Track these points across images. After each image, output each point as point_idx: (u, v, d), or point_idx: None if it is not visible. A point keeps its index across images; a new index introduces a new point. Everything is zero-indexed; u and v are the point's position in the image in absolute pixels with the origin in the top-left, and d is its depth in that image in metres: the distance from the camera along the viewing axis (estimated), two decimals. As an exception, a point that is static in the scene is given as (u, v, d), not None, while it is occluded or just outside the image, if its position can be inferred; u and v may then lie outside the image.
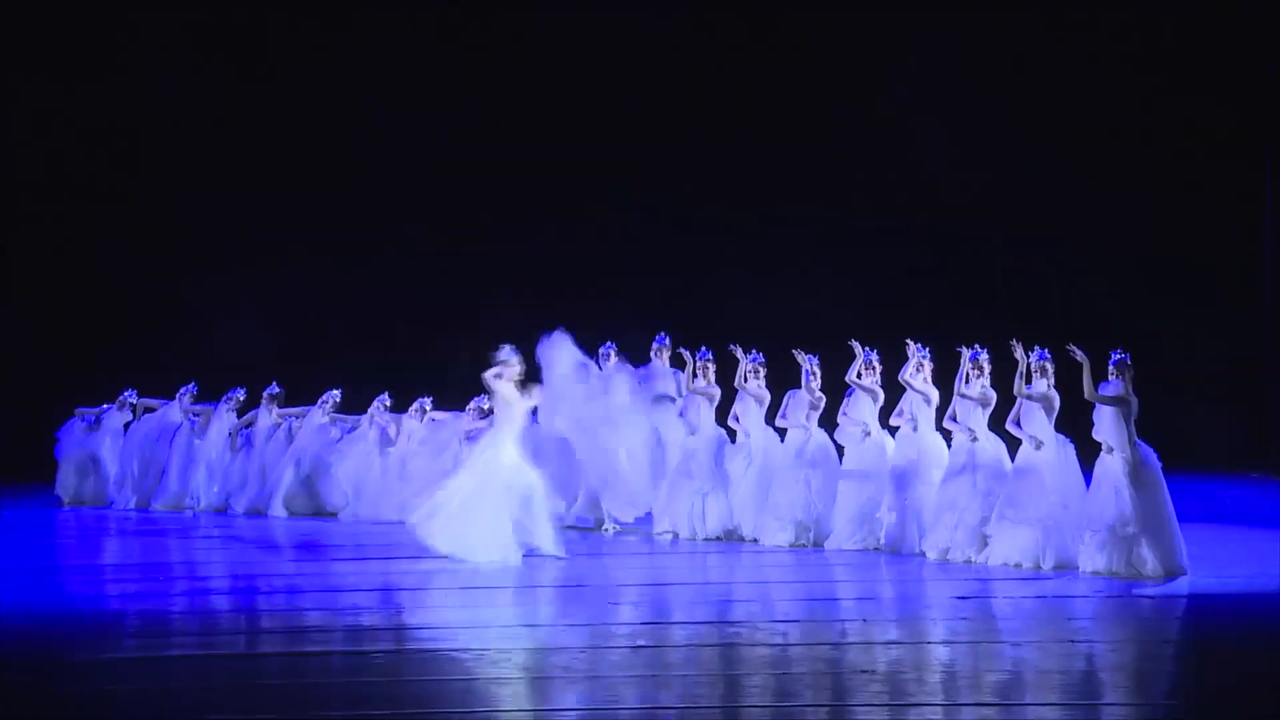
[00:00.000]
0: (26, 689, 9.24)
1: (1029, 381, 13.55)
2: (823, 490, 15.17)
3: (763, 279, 22.82)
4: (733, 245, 22.99)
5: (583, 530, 16.13)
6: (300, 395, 19.35)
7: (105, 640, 10.68)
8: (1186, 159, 22.39)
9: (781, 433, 15.65)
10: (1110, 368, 13.09)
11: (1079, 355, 13.12)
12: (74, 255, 23.72)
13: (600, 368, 16.36)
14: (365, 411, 18.63)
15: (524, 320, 23.28)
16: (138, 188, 23.70)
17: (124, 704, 8.83)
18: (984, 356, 14.07)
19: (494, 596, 12.59)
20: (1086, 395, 13.07)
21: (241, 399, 19.36)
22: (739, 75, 23.46)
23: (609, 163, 23.08)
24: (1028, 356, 13.57)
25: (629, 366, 16.34)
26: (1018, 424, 13.64)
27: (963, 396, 14.04)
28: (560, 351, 15.45)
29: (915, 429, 14.59)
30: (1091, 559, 12.95)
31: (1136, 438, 12.94)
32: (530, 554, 13.96)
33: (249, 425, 19.21)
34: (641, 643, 10.43)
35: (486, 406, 17.93)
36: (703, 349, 15.86)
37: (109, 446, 19.79)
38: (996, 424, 13.97)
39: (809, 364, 15.44)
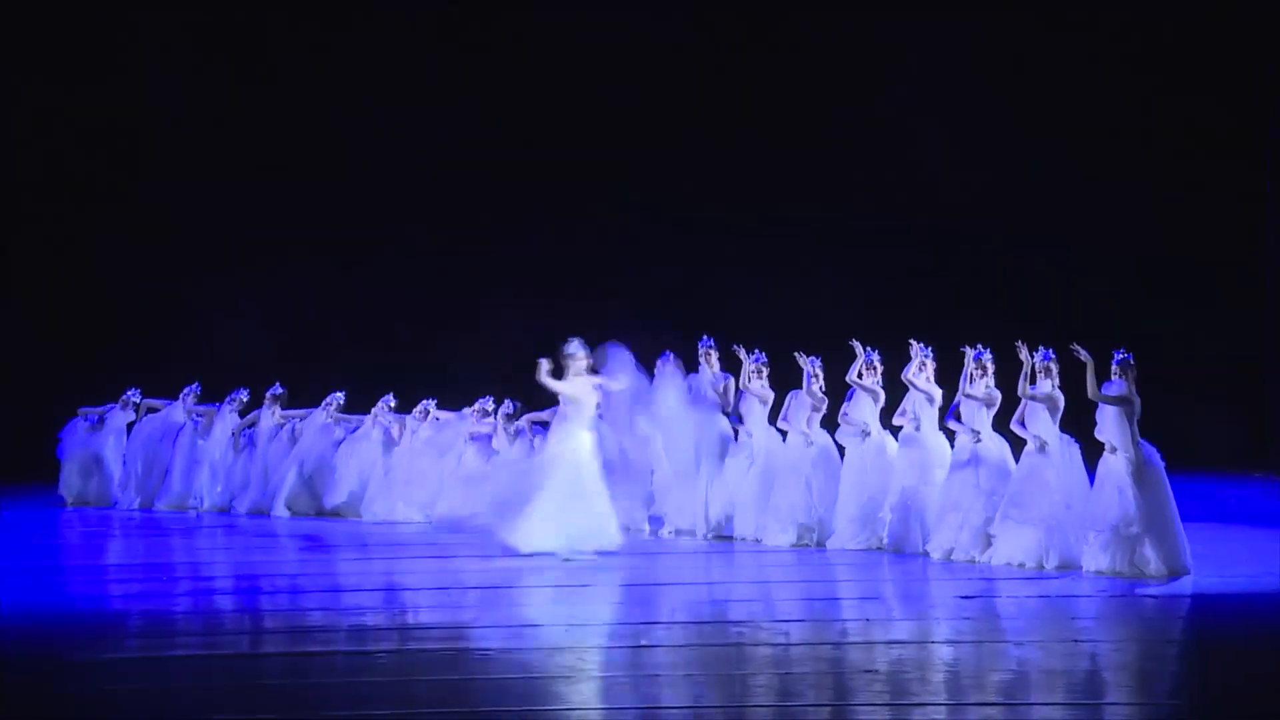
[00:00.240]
0: (28, 689, 9.23)
1: (1033, 382, 13.55)
2: (824, 492, 15.16)
3: (763, 279, 22.83)
4: (733, 245, 22.99)
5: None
6: (301, 395, 19.35)
7: (107, 640, 10.66)
8: (1186, 159, 22.40)
9: (783, 433, 15.64)
10: (1113, 367, 13.09)
11: (1083, 355, 13.12)
12: (74, 255, 23.72)
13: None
14: (368, 412, 18.63)
15: (524, 320, 23.41)
16: (138, 188, 23.71)
17: (126, 704, 8.82)
18: (987, 356, 14.06)
19: (495, 597, 12.59)
20: (1090, 395, 13.07)
21: (245, 400, 19.37)
22: (739, 75, 23.46)
23: (609, 163, 23.08)
24: (1032, 357, 13.56)
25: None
26: (1022, 424, 13.64)
27: (968, 397, 14.03)
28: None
29: (918, 429, 14.59)
30: (1095, 559, 12.95)
31: (1139, 437, 12.94)
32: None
33: (252, 425, 19.21)
34: (644, 643, 10.42)
35: (490, 407, 17.95)
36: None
37: (112, 446, 19.80)
38: (1001, 424, 13.97)
39: (810, 366, 15.42)
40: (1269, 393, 22.11)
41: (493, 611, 11.86)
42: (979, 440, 13.92)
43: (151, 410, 19.89)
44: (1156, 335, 20.05)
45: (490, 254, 23.59)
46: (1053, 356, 13.55)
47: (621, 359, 14.77)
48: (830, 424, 15.48)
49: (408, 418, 18.38)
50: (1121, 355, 13.11)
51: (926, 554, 14.15)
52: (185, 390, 19.60)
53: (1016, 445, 13.89)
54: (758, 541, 15.31)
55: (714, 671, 9.52)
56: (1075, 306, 20.85)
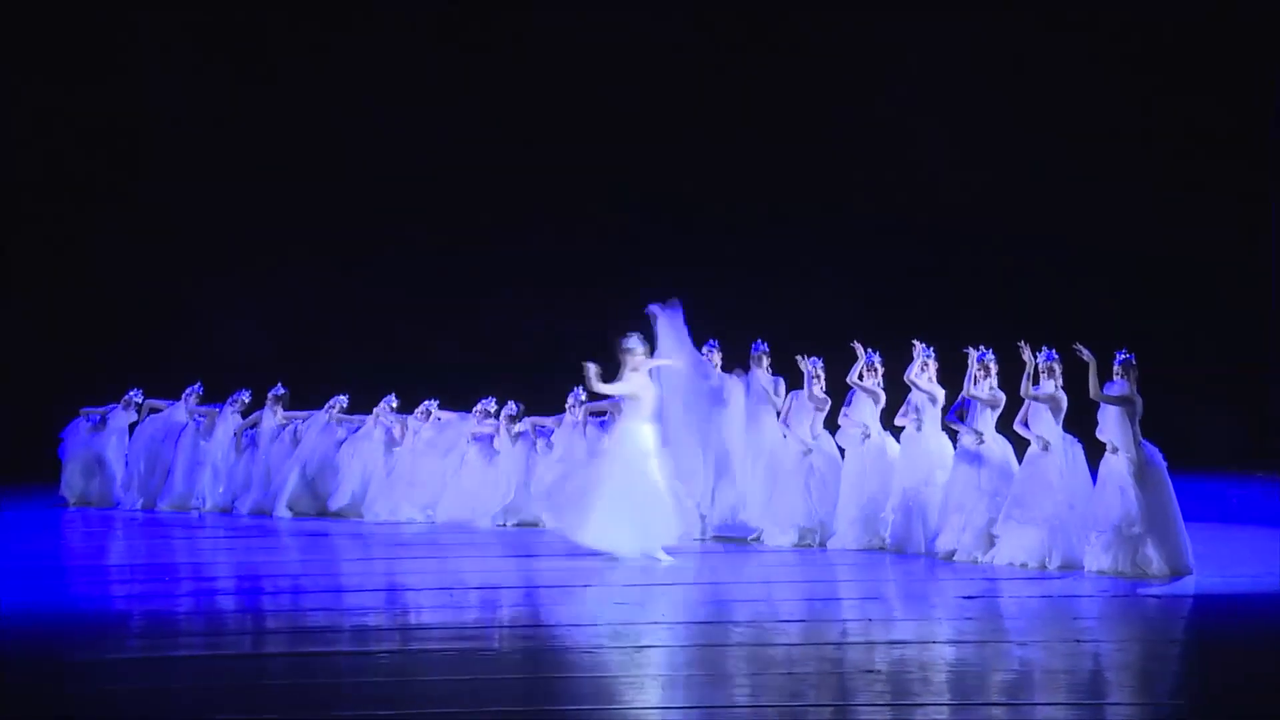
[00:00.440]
0: (31, 689, 9.23)
1: (1036, 382, 13.55)
2: (824, 495, 15.15)
3: (763, 279, 22.83)
4: (733, 245, 22.99)
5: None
6: (302, 395, 19.35)
7: (109, 640, 10.66)
8: (1187, 159, 22.41)
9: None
10: (1115, 367, 13.09)
11: (1086, 355, 13.12)
12: (75, 255, 23.73)
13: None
14: (370, 412, 18.63)
15: (524, 320, 23.44)
16: (138, 188, 23.72)
17: (127, 704, 8.82)
18: (990, 357, 14.06)
19: (497, 596, 12.59)
20: (1092, 395, 13.08)
21: (246, 400, 19.38)
22: (739, 75, 23.47)
23: (609, 163, 23.09)
24: (1035, 357, 13.56)
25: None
26: (1025, 425, 13.65)
27: (971, 398, 14.03)
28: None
29: (919, 429, 14.59)
30: (1097, 559, 12.96)
31: (1141, 437, 12.94)
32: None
33: (254, 426, 19.22)
34: (645, 642, 10.43)
35: (492, 408, 17.96)
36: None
37: (114, 446, 19.81)
38: (1004, 425, 13.97)
39: (812, 368, 15.39)
40: (1270, 392, 22.12)
41: (493, 612, 11.86)
42: (981, 441, 13.93)
43: (154, 410, 19.90)
44: (1158, 335, 20.03)
45: (490, 254, 23.60)
46: (1055, 357, 13.55)
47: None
48: (831, 425, 15.47)
49: (409, 418, 18.38)
50: (1123, 355, 13.11)
51: (928, 554, 14.15)
52: (187, 390, 19.60)
53: (1019, 446, 13.89)
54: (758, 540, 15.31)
55: (714, 671, 9.53)
56: (1075, 306, 20.85)
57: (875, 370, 15.06)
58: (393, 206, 23.48)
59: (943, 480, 14.27)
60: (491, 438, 17.72)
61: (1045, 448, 13.46)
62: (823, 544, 15.00)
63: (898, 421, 14.86)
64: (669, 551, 13.90)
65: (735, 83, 23.46)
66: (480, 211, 23.57)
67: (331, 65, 23.57)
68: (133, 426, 19.93)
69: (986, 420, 13.98)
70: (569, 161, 23.20)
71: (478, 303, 23.49)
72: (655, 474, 13.93)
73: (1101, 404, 13.07)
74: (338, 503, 18.33)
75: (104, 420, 19.89)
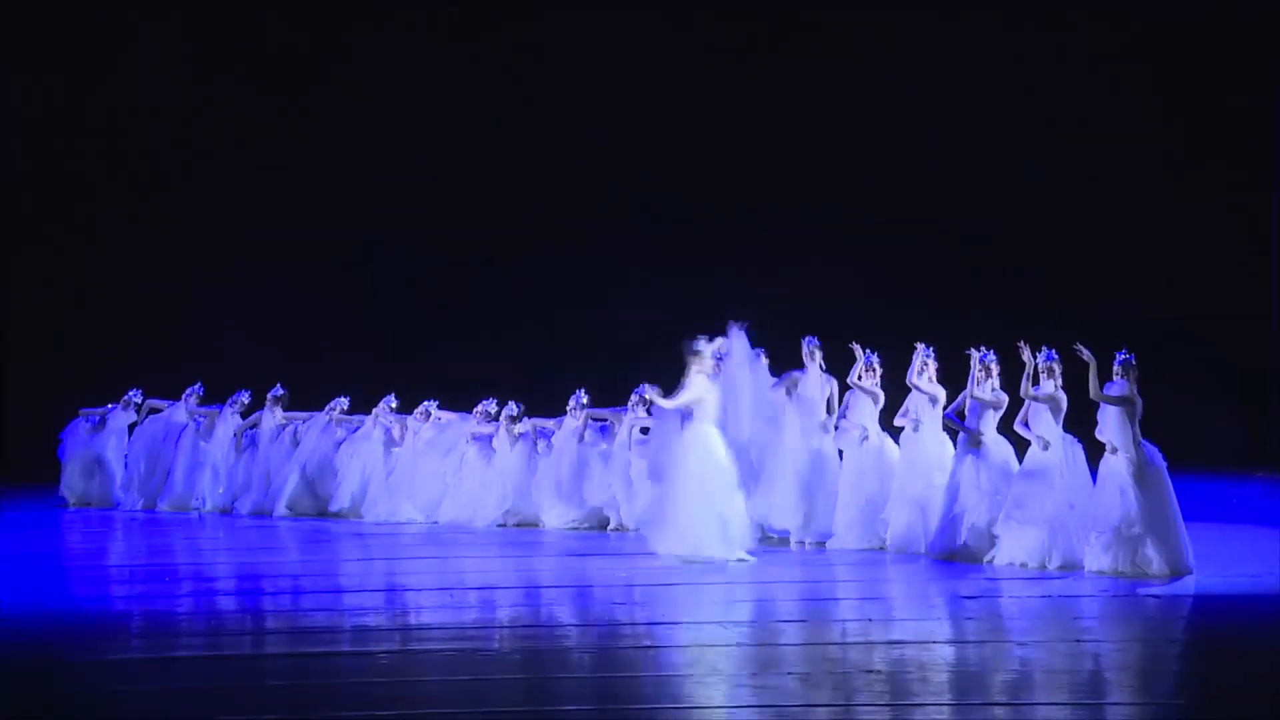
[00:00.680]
0: (31, 689, 9.23)
1: (1035, 383, 13.55)
2: (818, 495, 15.11)
3: (762, 279, 22.82)
4: (732, 245, 22.99)
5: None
6: (301, 395, 19.36)
7: (110, 641, 10.66)
8: (1186, 159, 22.40)
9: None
10: (1115, 368, 13.09)
11: (1086, 355, 13.12)
12: (75, 255, 23.73)
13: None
14: (369, 412, 18.64)
15: (524, 320, 23.44)
16: (139, 188, 23.71)
17: (128, 705, 8.82)
18: (991, 358, 14.04)
19: (496, 597, 12.59)
20: (1092, 395, 13.08)
21: (246, 401, 19.39)
22: (739, 75, 23.46)
23: (609, 163, 23.08)
24: (1035, 358, 13.56)
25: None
26: (1026, 425, 13.65)
27: (974, 399, 14.02)
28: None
29: (916, 429, 14.59)
30: (1097, 559, 12.96)
31: (1141, 438, 12.94)
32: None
33: (253, 427, 19.22)
34: (646, 643, 10.43)
35: (493, 410, 17.96)
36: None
37: (114, 447, 19.81)
38: (1004, 425, 13.97)
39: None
40: (1271, 392, 22.12)
41: (492, 612, 11.87)
42: (981, 443, 13.92)
43: (154, 411, 19.90)
44: (1158, 335, 20.06)
45: (490, 254, 23.60)
46: (1055, 357, 13.55)
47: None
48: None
49: (409, 418, 18.38)
50: (1123, 355, 13.11)
51: (928, 555, 14.15)
52: (187, 391, 19.61)
53: (1020, 446, 13.89)
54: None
55: (714, 671, 9.53)
56: (1075, 306, 20.84)
57: (874, 371, 15.06)
58: (393, 206, 23.48)
59: (941, 481, 14.26)
60: (490, 437, 17.73)
61: (1045, 448, 13.46)
62: (819, 544, 15.00)
63: (897, 422, 14.85)
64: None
65: (735, 83, 23.46)
66: (480, 211, 23.56)
67: (331, 65, 23.57)
68: (132, 427, 19.94)
69: (988, 421, 13.97)
70: (569, 161, 23.20)
71: (478, 303, 23.48)
72: (731, 475, 13.91)
73: (1101, 404, 13.07)
74: (338, 504, 18.33)
75: (103, 421, 19.90)
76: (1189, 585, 12.47)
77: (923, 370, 14.59)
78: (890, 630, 10.79)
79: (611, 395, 17.67)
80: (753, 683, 9.23)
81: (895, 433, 14.96)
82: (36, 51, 23.30)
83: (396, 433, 18.41)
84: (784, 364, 15.76)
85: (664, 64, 23.17)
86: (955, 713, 8.45)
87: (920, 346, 14.64)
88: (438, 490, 17.89)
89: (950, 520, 13.95)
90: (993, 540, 13.65)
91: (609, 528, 16.87)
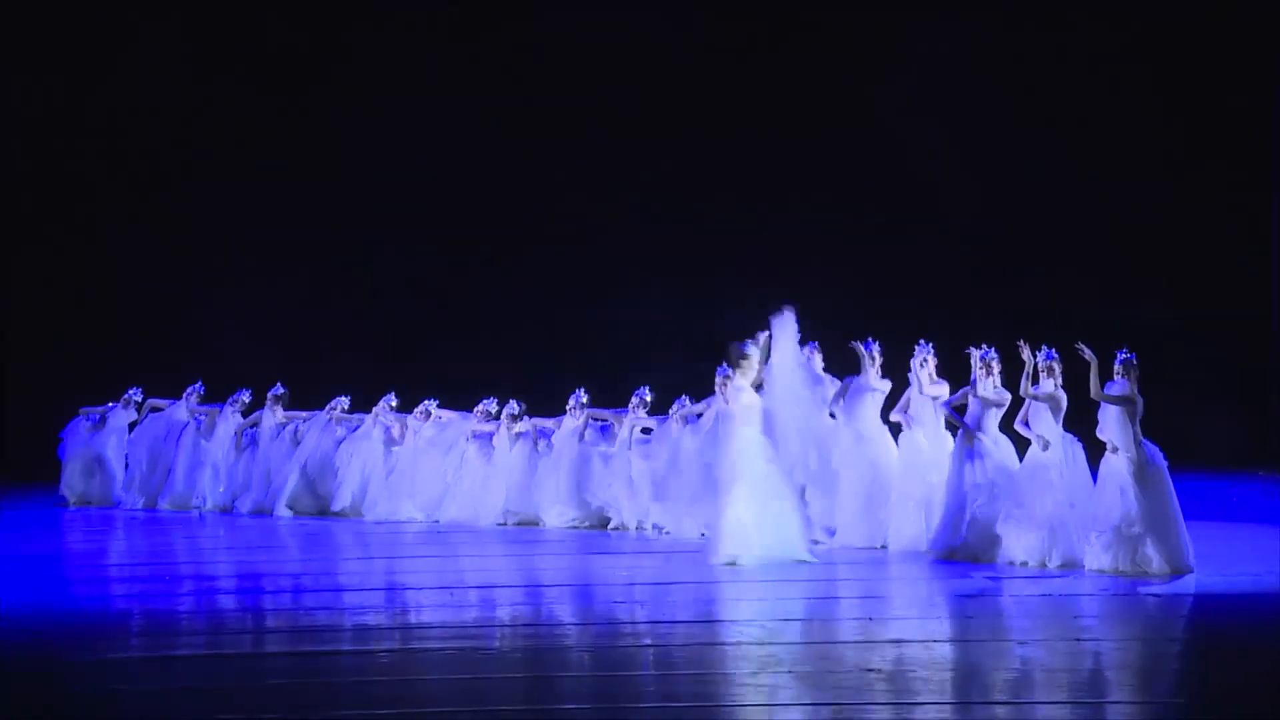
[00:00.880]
0: (32, 689, 9.23)
1: (1035, 382, 13.55)
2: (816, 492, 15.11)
3: (762, 279, 22.80)
4: (733, 245, 22.98)
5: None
6: (302, 394, 19.36)
7: (110, 640, 10.66)
8: (1186, 159, 22.40)
9: None
10: (1116, 367, 13.09)
11: (1087, 354, 13.12)
12: (75, 255, 23.73)
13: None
14: (369, 412, 18.64)
15: (524, 320, 23.44)
16: (140, 187, 23.70)
17: (129, 704, 8.82)
18: (993, 355, 14.03)
19: (498, 595, 12.60)
20: (1093, 394, 13.08)
21: (247, 401, 19.39)
22: (739, 75, 23.46)
23: (609, 163, 23.08)
24: (1034, 357, 13.56)
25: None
26: (1026, 424, 13.65)
27: (977, 397, 14.00)
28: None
29: (909, 426, 14.57)
30: (1097, 558, 12.96)
31: (1142, 437, 12.94)
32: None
33: (254, 426, 19.23)
34: (647, 642, 10.44)
35: (493, 409, 17.96)
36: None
37: (114, 446, 19.81)
38: (1004, 424, 13.96)
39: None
40: (1271, 392, 22.12)
41: (493, 610, 11.87)
42: (975, 438, 13.91)
43: (155, 409, 19.91)
44: (1158, 335, 20.06)
45: (490, 254, 23.60)
46: (1055, 356, 13.55)
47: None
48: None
49: (409, 417, 18.38)
50: (1124, 355, 13.11)
51: (930, 553, 14.14)
52: (188, 390, 19.62)
53: (1020, 445, 13.88)
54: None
55: (714, 670, 9.53)
56: (1075, 306, 20.83)
57: (874, 359, 15.02)
58: (393, 206, 23.48)
59: (940, 479, 14.22)
60: (491, 436, 17.73)
61: (1045, 448, 13.46)
62: (816, 541, 14.93)
63: (893, 417, 14.83)
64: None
65: (735, 83, 23.46)
66: (480, 211, 23.56)
67: (331, 65, 23.57)
68: (133, 425, 19.94)
69: (990, 419, 13.96)
70: (569, 161, 23.20)
71: (478, 303, 23.48)
72: (777, 478, 13.87)
73: (1102, 404, 13.07)
74: (340, 504, 18.33)
75: (104, 419, 19.90)
76: (1189, 584, 12.46)
77: (923, 365, 14.56)
78: (890, 629, 10.79)
79: (611, 395, 17.67)
80: (752, 682, 9.23)
81: (893, 428, 14.95)
82: (37, 51, 23.29)
83: (396, 432, 18.41)
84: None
85: (664, 64, 23.17)
86: (956, 712, 8.45)
87: (921, 344, 14.62)
88: (438, 489, 17.90)
89: (951, 519, 13.94)
90: (994, 539, 13.64)
91: (609, 526, 16.88)
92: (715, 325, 18.75)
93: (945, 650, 10.12)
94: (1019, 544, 13.43)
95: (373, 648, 10.35)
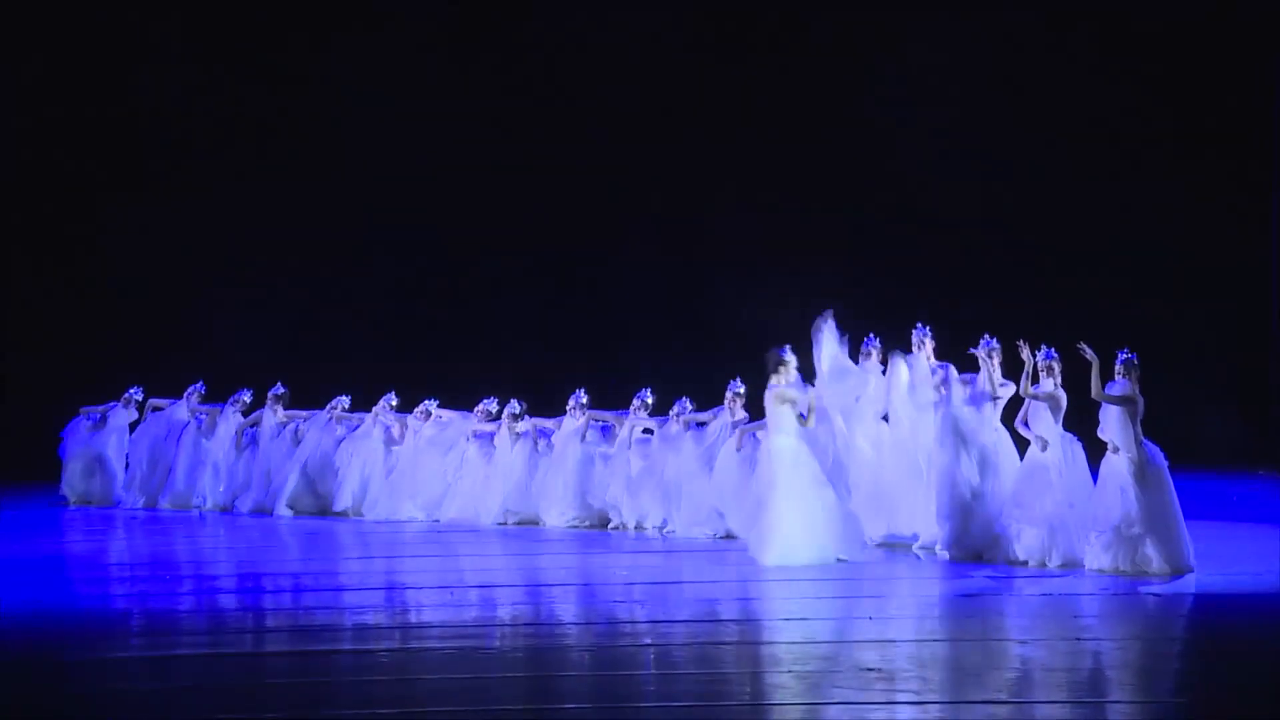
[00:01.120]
0: (33, 688, 9.24)
1: (1035, 381, 13.54)
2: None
3: (762, 279, 22.82)
4: (732, 245, 22.98)
5: None
6: (302, 394, 19.36)
7: (111, 640, 10.66)
8: (1186, 159, 22.39)
9: None
10: (1117, 367, 13.08)
11: (1089, 354, 13.11)
12: (75, 254, 23.72)
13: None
14: (369, 411, 18.64)
15: (524, 320, 23.44)
16: (140, 186, 23.70)
17: (130, 704, 8.82)
18: (995, 346, 14.01)
19: (498, 594, 12.60)
20: (1094, 395, 13.07)
21: (248, 400, 19.39)
22: (739, 75, 23.46)
23: (609, 163, 23.08)
24: (1034, 356, 13.55)
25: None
26: (1025, 424, 13.64)
27: (981, 392, 13.98)
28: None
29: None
30: (1097, 558, 12.95)
31: (1143, 437, 12.94)
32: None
33: (254, 425, 19.23)
34: (647, 641, 10.44)
35: (494, 409, 17.97)
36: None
37: (114, 445, 19.81)
38: (1005, 423, 13.96)
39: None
40: (1271, 391, 22.12)
41: (493, 610, 11.87)
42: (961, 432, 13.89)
43: (156, 409, 19.91)
44: (1159, 335, 20.07)
45: (490, 254, 23.60)
46: (1054, 355, 13.54)
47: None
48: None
49: (408, 417, 18.38)
50: (1125, 355, 13.11)
51: (929, 552, 14.14)
52: (189, 389, 19.62)
53: (1021, 445, 13.87)
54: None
55: (714, 670, 9.53)
56: (1075, 306, 20.84)
57: (871, 356, 15.01)
58: (393, 206, 23.48)
59: (929, 472, 14.16)
60: (492, 436, 17.74)
61: (1044, 448, 13.45)
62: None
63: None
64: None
65: (735, 83, 23.45)
66: (480, 211, 23.56)
67: (332, 65, 23.57)
68: (134, 425, 19.95)
69: (989, 411, 13.94)
70: (569, 161, 23.20)
71: (477, 303, 23.48)
72: (811, 481, 13.84)
73: (1103, 404, 13.07)
74: (341, 504, 18.33)
75: (104, 419, 19.89)
76: (1189, 583, 12.46)
77: (919, 348, 14.51)
78: (890, 628, 10.79)
79: (611, 395, 17.68)
80: (752, 681, 9.24)
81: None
82: (37, 51, 23.29)
83: (396, 431, 18.41)
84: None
85: (664, 64, 23.17)
86: (956, 711, 8.45)
87: (919, 327, 14.58)
88: (439, 489, 17.90)
89: (952, 518, 13.92)
90: (995, 538, 13.64)
91: (609, 526, 16.89)
92: (715, 322, 18.79)
93: (945, 649, 10.12)
94: (1019, 543, 13.43)
95: (372, 647, 10.35)
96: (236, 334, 22.67)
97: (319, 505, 18.52)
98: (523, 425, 17.61)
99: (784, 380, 13.98)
